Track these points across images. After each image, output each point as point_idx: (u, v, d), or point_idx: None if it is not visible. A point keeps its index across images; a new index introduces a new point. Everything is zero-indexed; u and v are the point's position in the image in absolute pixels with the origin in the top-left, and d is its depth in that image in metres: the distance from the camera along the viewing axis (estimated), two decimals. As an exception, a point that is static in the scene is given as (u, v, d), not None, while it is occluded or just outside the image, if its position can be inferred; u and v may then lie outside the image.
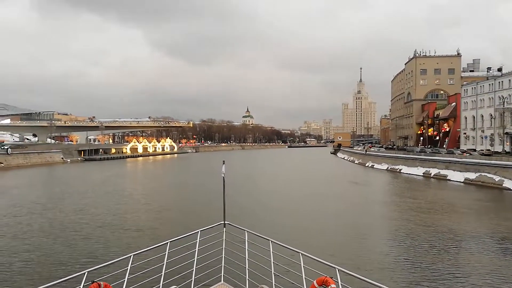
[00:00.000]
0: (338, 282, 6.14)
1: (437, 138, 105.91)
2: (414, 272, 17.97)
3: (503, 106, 63.73)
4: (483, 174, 50.83)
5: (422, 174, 64.35)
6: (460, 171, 55.77)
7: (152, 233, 25.20)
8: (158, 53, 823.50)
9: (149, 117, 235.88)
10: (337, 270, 6.39)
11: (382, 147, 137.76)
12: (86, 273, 6.29)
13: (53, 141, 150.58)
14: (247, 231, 8.70)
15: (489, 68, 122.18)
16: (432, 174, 61.66)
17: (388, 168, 78.86)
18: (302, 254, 7.12)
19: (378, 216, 33.42)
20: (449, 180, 56.31)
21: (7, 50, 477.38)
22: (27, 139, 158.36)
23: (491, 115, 75.60)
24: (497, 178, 48.22)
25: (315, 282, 6.32)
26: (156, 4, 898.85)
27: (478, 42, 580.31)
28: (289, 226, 27.66)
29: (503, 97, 64.88)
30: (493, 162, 51.35)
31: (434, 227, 27.51)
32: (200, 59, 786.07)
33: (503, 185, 46.64)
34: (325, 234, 25.92)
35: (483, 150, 69.25)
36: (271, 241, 7.98)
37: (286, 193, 46.50)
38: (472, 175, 52.62)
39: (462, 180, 53.68)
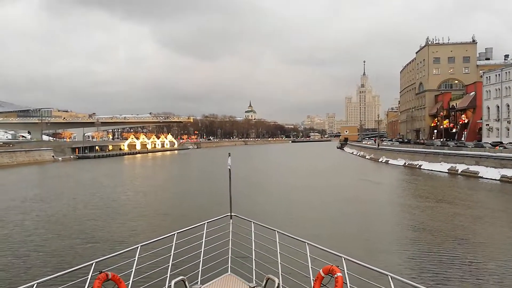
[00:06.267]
0: (344, 270, 6.22)
1: (454, 130, 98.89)
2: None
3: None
4: (524, 170, 44.02)
5: (447, 171, 57.41)
6: (495, 167, 48.74)
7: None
8: (165, 49, 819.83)
9: (150, 113, 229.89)
10: (343, 258, 6.47)
11: (391, 140, 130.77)
12: (94, 263, 6.35)
13: (50, 138, 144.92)
14: (253, 222, 8.83)
15: (506, 56, 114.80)
16: (459, 171, 54.68)
17: (405, 163, 71.82)
18: (308, 243, 7.27)
19: (398, 219, 28.08)
20: (481, 177, 49.36)
21: (16, 50, 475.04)
22: (23, 136, 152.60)
23: (520, 104, 68.68)
24: (543, 176, 41.37)
25: (321, 271, 6.36)
26: (163, 0, 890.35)
27: (491, 30, 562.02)
28: (297, 219, 27.02)
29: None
30: (537, 157, 44.41)
31: (469, 234, 22.76)
32: (206, 55, 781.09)
33: (552, 184, 39.84)
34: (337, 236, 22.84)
35: (511, 142, 62.23)
36: (277, 232, 8.07)
37: (295, 189, 42.77)
38: (510, 172, 45.59)
39: (498, 178, 46.72)
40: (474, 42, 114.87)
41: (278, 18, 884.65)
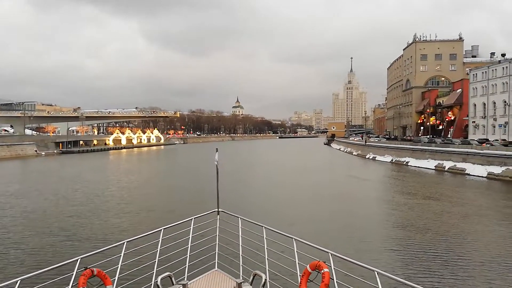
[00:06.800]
0: (331, 266, 6.22)
1: (440, 127, 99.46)
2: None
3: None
4: (511, 168, 44.01)
5: (434, 168, 57.44)
6: (482, 164, 48.77)
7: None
8: (154, 44, 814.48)
9: (136, 108, 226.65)
10: (330, 254, 6.43)
11: (378, 137, 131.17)
12: (79, 259, 6.30)
13: (34, 132, 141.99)
14: (240, 218, 8.76)
15: (492, 53, 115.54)
16: (446, 168, 54.71)
17: (392, 160, 71.87)
18: (295, 239, 7.21)
19: (385, 216, 27.52)
20: (468, 174, 49.43)
21: (2, 44, 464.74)
22: (5, 130, 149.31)
23: (505, 101, 69.03)
24: (530, 173, 41.44)
25: (308, 266, 6.35)
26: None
27: (479, 28, 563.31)
28: (284, 215, 26.91)
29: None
30: (524, 154, 44.41)
31: (458, 236, 21.72)
32: (196, 50, 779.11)
33: (539, 181, 39.91)
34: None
35: (497, 140, 62.55)
36: (265, 227, 8.01)
37: (282, 185, 42.46)
38: (497, 169, 45.70)
39: (485, 175, 46.78)
40: (461, 39, 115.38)
41: (268, 16, 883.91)
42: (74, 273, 6.11)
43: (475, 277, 15.07)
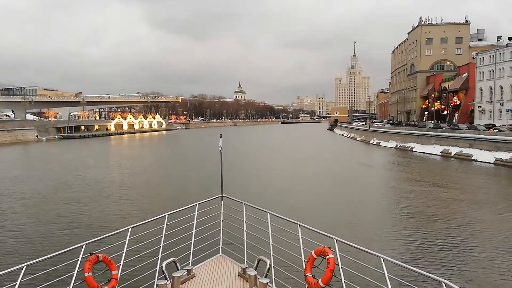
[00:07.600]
0: (336, 252, 6.21)
1: (445, 112, 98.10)
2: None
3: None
4: (520, 153, 43.18)
5: (439, 153, 56.52)
6: (489, 150, 47.89)
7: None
8: (156, 30, 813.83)
9: (138, 93, 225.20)
10: (335, 240, 6.43)
11: (381, 122, 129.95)
12: (84, 245, 6.34)
13: (35, 117, 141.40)
14: (245, 203, 8.75)
15: (499, 37, 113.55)
16: (452, 154, 53.78)
17: (397, 146, 70.95)
18: (300, 225, 7.22)
19: (390, 203, 26.61)
20: (475, 160, 48.53)
21: (3, 30, 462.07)
22: (7, 115, 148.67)
23: (513, 86, 67.75)
24: (539, 159, 40.52)
25: (313, 252, 6.35)
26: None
27: (483, 12, 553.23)
28: (287, 201, 26.38)
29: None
30: (533, 139, 43.48)
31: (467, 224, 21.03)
32: (199, 36, 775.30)
33: (548, 167, 39.01)
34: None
35: (504, 125, 61.44)
36: (269, 213, 8.02)
37: (285, 171, 41.57)
38: (505, 155, 44.74)
39: (492, 161, 45.88)
40: (467, 22, 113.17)
41: (272, 1, 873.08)
42: (80, 258, 6.13)
43: (484, 265, 14.66)
